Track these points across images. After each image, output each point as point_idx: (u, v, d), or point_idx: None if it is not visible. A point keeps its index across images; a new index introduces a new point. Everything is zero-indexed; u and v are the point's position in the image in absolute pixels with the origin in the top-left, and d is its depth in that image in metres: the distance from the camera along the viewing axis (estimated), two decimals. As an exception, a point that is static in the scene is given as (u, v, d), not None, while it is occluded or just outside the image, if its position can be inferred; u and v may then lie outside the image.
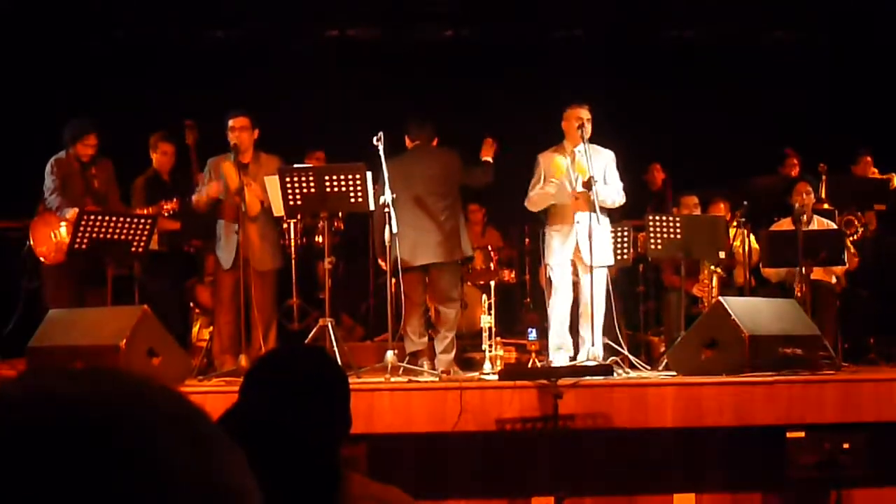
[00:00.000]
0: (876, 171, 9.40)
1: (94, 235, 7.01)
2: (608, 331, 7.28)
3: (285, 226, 7.82)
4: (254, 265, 7.17)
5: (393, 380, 6.52)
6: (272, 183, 7.10)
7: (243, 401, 2.05)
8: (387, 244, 6.94)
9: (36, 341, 6.42)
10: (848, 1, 10.10)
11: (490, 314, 7.62)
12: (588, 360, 7.05)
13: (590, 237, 7.07)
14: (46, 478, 0.61)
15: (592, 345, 7.14)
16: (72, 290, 7.38)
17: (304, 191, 6.91)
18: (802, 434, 6.17)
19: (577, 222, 7.26)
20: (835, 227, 8.32)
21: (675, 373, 6.81)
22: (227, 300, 7.30)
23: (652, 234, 7.81)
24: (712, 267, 8.41)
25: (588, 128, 7.31)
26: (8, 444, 0.62)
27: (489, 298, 7.80)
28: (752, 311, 6.86)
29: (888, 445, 6.29)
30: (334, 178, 6.92)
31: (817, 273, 8.02)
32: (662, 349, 8.13)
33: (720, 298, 7.14)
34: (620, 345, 7.26)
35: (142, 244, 7.13)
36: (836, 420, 6.24)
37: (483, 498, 6.32)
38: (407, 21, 11.32)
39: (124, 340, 6.22)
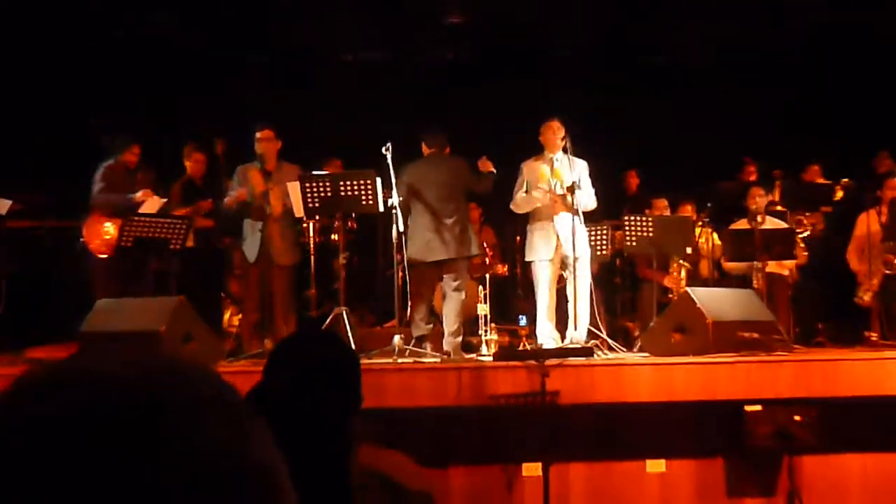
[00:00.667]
0: (822, 178, 9.41)
1: (138, 234, 7.00)
2: (589, 317, 7.27)
3: (305, 225, 7.81)
4: (275, 259, 7.16)
5: (399, 361, 6.51)
6: (293, 188, 7.10)
7: (267, 380, 2.04)
8: (394, 241, 6.92)
9: (86, 327, 6.41)
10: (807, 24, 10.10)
11: (485, 303, 7.60)
12: (572, 343, 7.04)
13: (573, 235, 7.09)
14: (96, 452, 0.60)
15: (575, 329, 7.15)
16: (118, 281, 7.38)
17: (322, 194, 6.90)
18: (759, 408, 6.16)
19: (556, 222, 7.27)
20: (786, 226, 8.31)
21: (648, 354, 6.80)
22: (253, 291, 7.29)
23: (628, 233, 7.81)
24: (681, 261, 8.40)
25: (562, 138, 7.34)
26: (62, 419, 0.61)
27: (485, 289, 7.78)
28: (715, 300, 6.85)
29: (835, 418, 6.28)
30: (347, 183, 6.91)
31: (772, 266, 8.02)
32: (637, 333, 8.12)
33: (687, 289, 7.13)
34: (600, 330, 7.25)
35: (179, 241, 7.12)
36: (789, 395, 6.23)
37: (479, 464, 6.31)
38: (412, 46, 11.31)
39: (164, 327, 6.21)
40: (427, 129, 7.46)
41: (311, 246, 7.85)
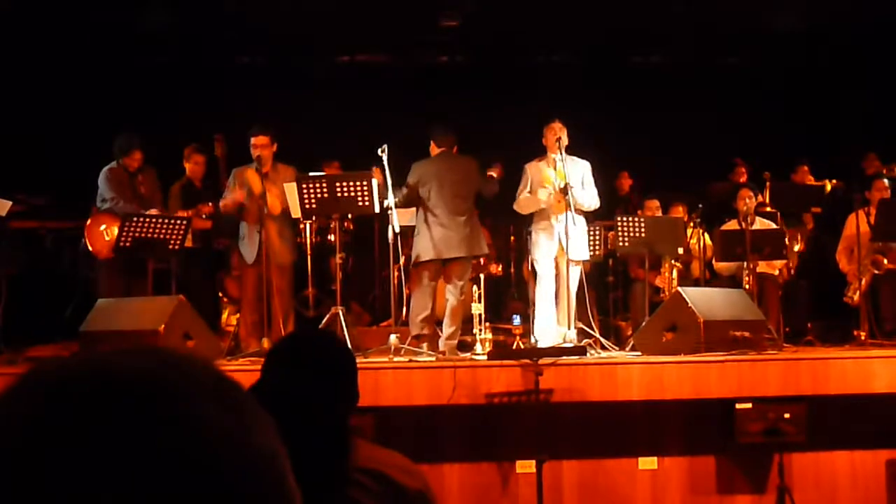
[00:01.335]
0: (812, 178, 9.43)
1: (137, 235, 6.99)
2: (582, 316, 7.28)
3: (302, 226, 7.80)
4: (273, 260, 7.16)
5: (395, 360, 6.51)
6: (290, 189, 7.09)
7: (265, 378, 2.05)
8: (390, 242, 6.91)
9: (86, 326, 6.40)
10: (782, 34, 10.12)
11: (480, 303, 7.59)
12: (565, 342, 7.05)
13: (566, 234, 7.10)
14: (101, 438, 0.60)
15: (569, 328, 7.16)
16: (120, 281, 7.36)
17: (318, 195, 6.89)
18: (750, 405, 6.18)
19: (557, 222, 7.28)
20: (776, 227, 8.32)
21: (640, 353, 6.80)
22: (251, 290, 7.29)
23: (620, 233, 7.82)
24: (672, 261, 8.41)
25: (564, 139, 7.36)
26: (68, 407, 0.62)
27: (479, 289, 7.77)
28: (706, 300, 6.86)
29: (823, 415, 6.30)
30: (344, 184, 6.90)
31: (762, 266, 8.04)
32: (629, 332, 8.12)
33: (679, 289, 7.13)
34: (593, 329, 7.25)
35: (178, 242, 7.11)
36: (779, 393, 6.25)
37: (474, 461, 6.32)
38: (408, 48, 11.31)
39: (163, 325, 6.20)
40: (436, 128, 7.39)
41: (309, 246, 7.85)
